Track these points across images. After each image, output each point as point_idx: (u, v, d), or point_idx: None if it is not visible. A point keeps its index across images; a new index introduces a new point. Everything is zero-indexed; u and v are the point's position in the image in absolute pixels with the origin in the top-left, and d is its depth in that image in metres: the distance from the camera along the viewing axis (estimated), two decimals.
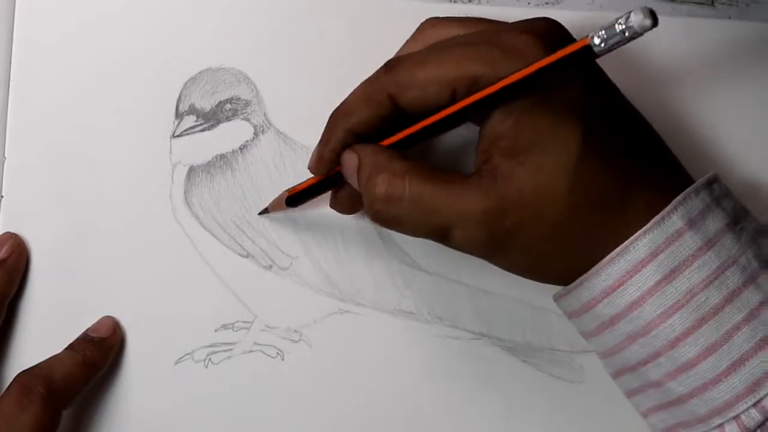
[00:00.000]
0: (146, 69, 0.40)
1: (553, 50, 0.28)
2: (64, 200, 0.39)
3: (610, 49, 0.26)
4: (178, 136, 0.40)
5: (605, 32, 0.26)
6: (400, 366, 0.39)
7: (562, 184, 0.31)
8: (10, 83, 0.40)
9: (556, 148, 0.31)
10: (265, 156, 0.40)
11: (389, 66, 0.34)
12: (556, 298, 0.35)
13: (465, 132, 0.35)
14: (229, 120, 0.40)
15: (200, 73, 0.40)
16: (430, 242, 0.35)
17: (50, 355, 0.37)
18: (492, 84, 0.30)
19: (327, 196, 0.38)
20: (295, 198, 0.38)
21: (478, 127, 0.33)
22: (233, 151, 0.40)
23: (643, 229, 0.31)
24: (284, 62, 0.40)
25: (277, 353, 0.39)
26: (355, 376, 0.39)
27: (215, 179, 0.40)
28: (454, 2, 0.41)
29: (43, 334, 0.39)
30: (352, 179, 0.34)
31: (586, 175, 0.31)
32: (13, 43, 0.40)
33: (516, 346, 0.40)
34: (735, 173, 0.40)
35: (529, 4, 0.41)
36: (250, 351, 0.39)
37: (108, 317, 0.39)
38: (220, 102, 0.40)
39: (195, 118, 0.40)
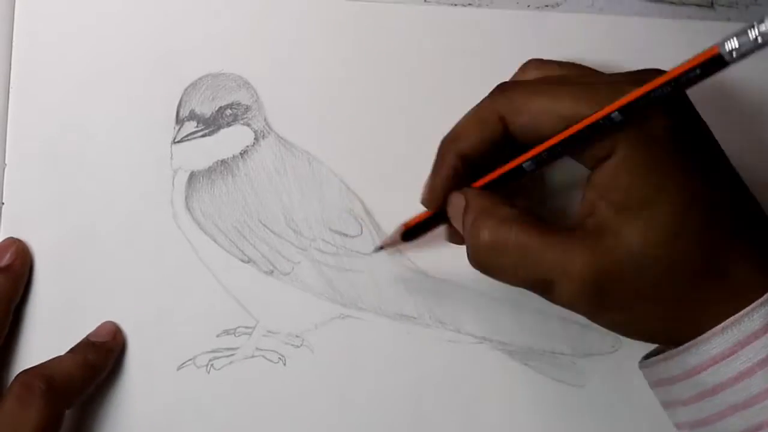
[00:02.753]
0: (146, 74, 0.40)
1: None
2: (64, 206, 0.39)
3: (741, 58, 0.25)
4: (178, 141, 0.40)
5: (736, 39, 0.25)
6: (402, 370, 0.39)
7: (668, 243, 0.30)
8: (10, 89, 0.40)
9: (664, 206, 0.30)
10: (265, 161, 0.40)
11: (503, 88, 0.33)
12: (648, 365, 0.34)
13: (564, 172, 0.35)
14: (230, 125, 0.40)
15: (200, 78, 0.40)
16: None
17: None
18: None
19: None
20: (411, 232, 0.37)
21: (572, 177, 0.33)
22: (234, 157, 0.40)
23: (760, 300, 0.30)
24: (284, 67, 0.40)
25: (279, 358, 0.39)
26: (357, 380, 0.39)
27: (216, 185, 0.40)
28: (454, 6, 0.41)
29: (45, 340, 0.39)
30: (457, 221, 0.34)
31: (690, 234, 0.30)
32: (13, 48, 0.40)
33: (517, 350, 0.40)
34: None
35: (528, 7, 0.41)
36: (252, 356, 0.39)
37: (108, 322, 0.39)
38: (220, 107, 0.40)
39: (195, 124, 0.40)
